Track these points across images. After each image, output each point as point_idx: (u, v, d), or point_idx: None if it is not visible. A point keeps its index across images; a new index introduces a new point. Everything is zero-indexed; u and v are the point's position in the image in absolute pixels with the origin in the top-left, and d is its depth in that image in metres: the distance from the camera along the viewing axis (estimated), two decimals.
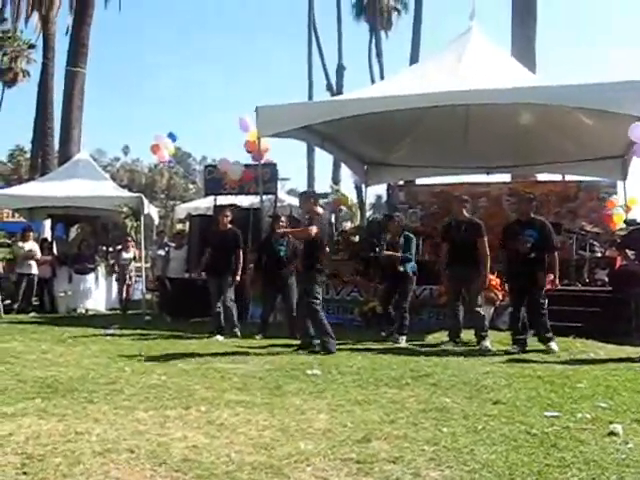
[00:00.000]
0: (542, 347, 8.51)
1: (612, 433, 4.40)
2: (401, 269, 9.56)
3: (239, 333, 9.97)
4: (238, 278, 10.22)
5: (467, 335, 9.24)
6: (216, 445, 4.14)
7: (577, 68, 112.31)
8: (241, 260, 10.27)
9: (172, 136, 14.72)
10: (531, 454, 3.97)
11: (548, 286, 8.88)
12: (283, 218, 10.33)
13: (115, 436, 4.30)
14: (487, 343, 8.82)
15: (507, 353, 8.31)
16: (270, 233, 10.46)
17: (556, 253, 8.92)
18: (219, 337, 9.66)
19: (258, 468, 3.70)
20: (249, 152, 12.82)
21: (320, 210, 8.94)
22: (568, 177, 15.56)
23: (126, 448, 4.04)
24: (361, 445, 4.14)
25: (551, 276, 8.82)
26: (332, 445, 4.13)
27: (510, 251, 8.88)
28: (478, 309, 9.07)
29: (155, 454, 3.93)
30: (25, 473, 3.59)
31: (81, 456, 3.88)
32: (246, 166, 13.29)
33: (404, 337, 9.37)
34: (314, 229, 8.40)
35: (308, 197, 9.07)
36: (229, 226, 10.42)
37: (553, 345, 8.47)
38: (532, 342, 8.73)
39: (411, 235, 9.92)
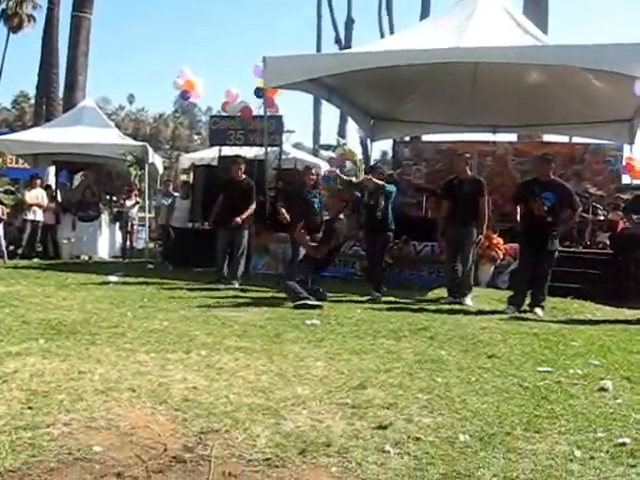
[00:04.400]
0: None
1: (602, 389, 4.51)
2: (379, 216, 9.48)
3: (237, 285, 9.96)
4: (239, 220, 10.00)
5: None
6: (215, 387, 4.24)
7: (591, 30, 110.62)
8: (252, 212, 10.21)
9: (183, 96, 14.68)
10: (521, 405, 4.08)
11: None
12: (314, 170, 10.13)
13: (117, 376, 4.41)
14: (468, 300, 8.92)
15: (504, 312, 8.36)
16: (300, 186, 10.47)
17: (577, 212, 8.88)
18: (221, 286, 9.73)
19: (255, 409, 3.80)
20: (259, 97, 12.68)
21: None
22: (575, 139, 15.51)
23: (128, 387, 4.15)
24: (356, 391, 4.24)
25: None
26: (328, 390, 4.24)
27: (525, 210, 8.60)
28: (468, 267, 9.12)
29: (156, 394, 4.04)
30: (30, 408, 3.69)
31: (84, 394, 3.98)
32: (254, 117, 13.22)
33: (379, 294, 9.23)
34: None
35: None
36: (243, 177, 10.28)
37: (539, 311, 8.28)
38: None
39: (391, 187, 9.77)
